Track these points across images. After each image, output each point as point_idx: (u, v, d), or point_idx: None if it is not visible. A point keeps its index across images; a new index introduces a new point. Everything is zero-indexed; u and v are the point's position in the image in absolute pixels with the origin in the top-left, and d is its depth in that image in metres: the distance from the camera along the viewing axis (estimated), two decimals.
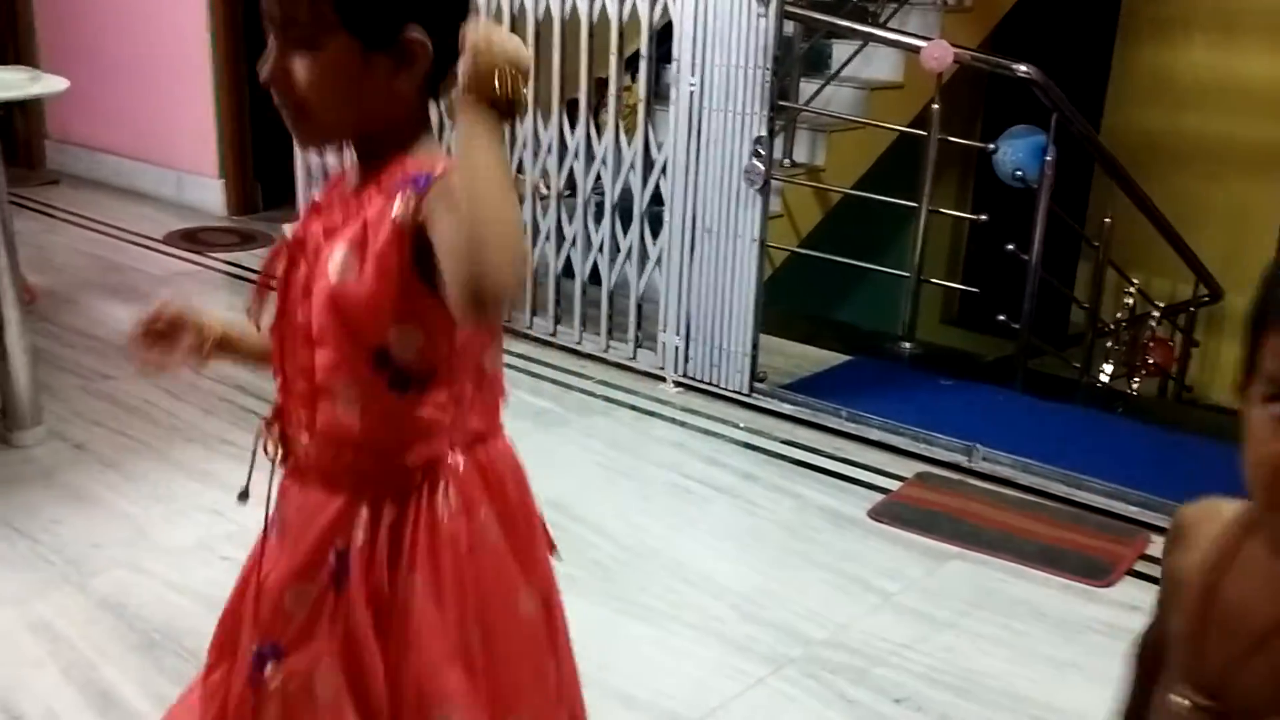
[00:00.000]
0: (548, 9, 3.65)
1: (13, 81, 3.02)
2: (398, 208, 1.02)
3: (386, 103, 1.08)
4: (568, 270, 3.83)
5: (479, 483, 1.15)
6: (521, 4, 3.71)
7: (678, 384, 3.61)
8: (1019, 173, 3.73)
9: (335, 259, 1.06)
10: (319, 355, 1.09)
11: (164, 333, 1.26)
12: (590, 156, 3.68)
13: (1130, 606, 2.46)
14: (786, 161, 4.62)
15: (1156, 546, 2.71)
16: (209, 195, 5.43)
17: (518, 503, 1.20)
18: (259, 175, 5.44)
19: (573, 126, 3.69)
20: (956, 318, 6.23)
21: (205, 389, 3.41)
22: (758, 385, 3.48)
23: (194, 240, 4.99)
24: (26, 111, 5.92)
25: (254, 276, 4.54)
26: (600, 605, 2.38)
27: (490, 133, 0.95)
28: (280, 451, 1.17)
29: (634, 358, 3.73)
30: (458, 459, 1.13)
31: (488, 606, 1.15)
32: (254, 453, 1.18)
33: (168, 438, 3.07)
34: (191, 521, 2.65)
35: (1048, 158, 3.60)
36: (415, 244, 1.01)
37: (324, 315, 1.07)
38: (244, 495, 1.22)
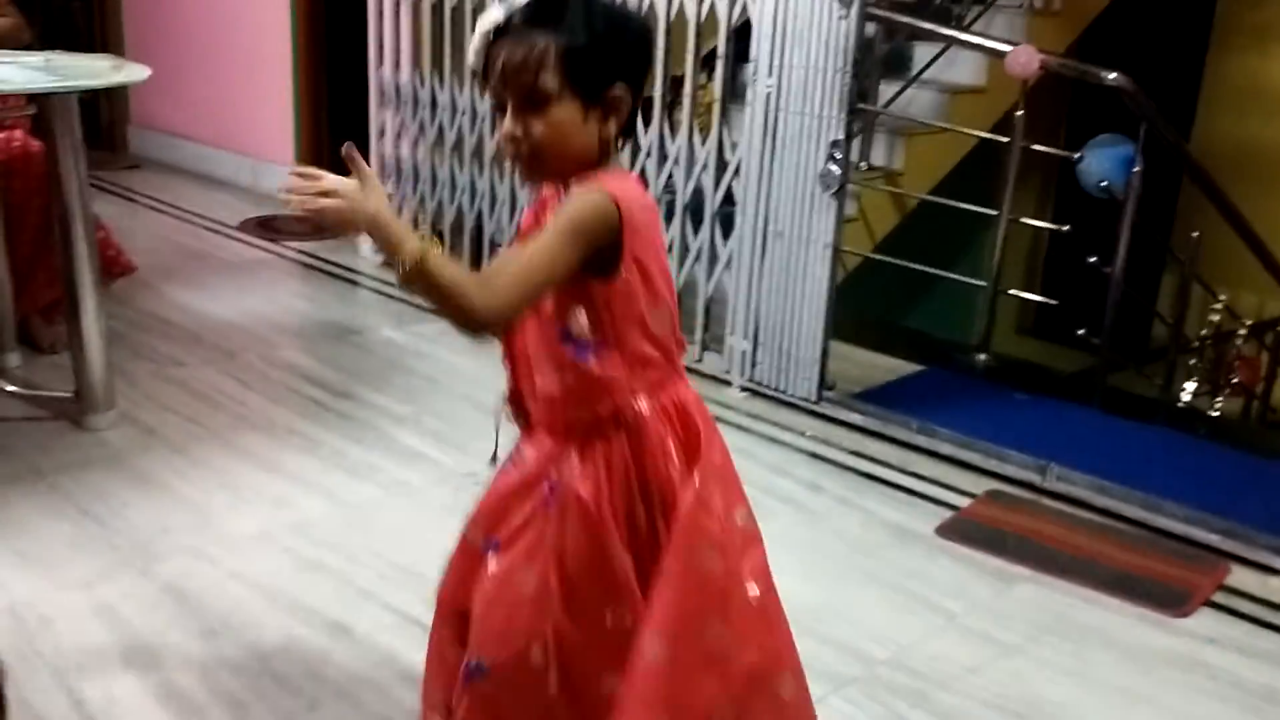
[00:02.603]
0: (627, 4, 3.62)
1: (98, 69, 3.06)
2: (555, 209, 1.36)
3: (596, 145, 1.36)
4: None
5: (663, 419, 1.42)
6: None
7: (744, 389, 3.56)
8: (1104, 184, 3.62)
9: None
10: (529, 340, 1.43)
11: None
12: (664, 156, 3.64)
13: (1207, 639, 2.37)
14: (863, 164, 4.55)
15: (1237, 577, 2.61)
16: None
17: (702, 431, 1.45)
18: (334, 165, 5.47)
19: (646, 125, 3.65)
20: (1033, 329, 6.09)
21: (274, 379, 3.45)
22: (826, 393, 3.42)
23: (269, 228, 5.05)
24: (111, 97, 6.04)
25: (326, 267, 4.55)
26: None
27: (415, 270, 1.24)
28: (519, 419, 1.51)
29: (700, 360, 3.69)
30: (641, 405, 1.40)
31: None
32: (497, 423, 1.52)
33: (235, 426, 3.10)
34: (256, 510, 2.67)
35: (1135, 169, 3.49)
36: None
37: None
38: (493, 459, 1.54)
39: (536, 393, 1.44)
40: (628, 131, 1.40)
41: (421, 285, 1.24)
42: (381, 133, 4.53)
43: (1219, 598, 2.53)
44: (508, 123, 1.34)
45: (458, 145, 4.28)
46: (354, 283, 4.51)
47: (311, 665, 2.12)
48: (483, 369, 3.63)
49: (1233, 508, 2.76)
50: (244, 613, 2.26)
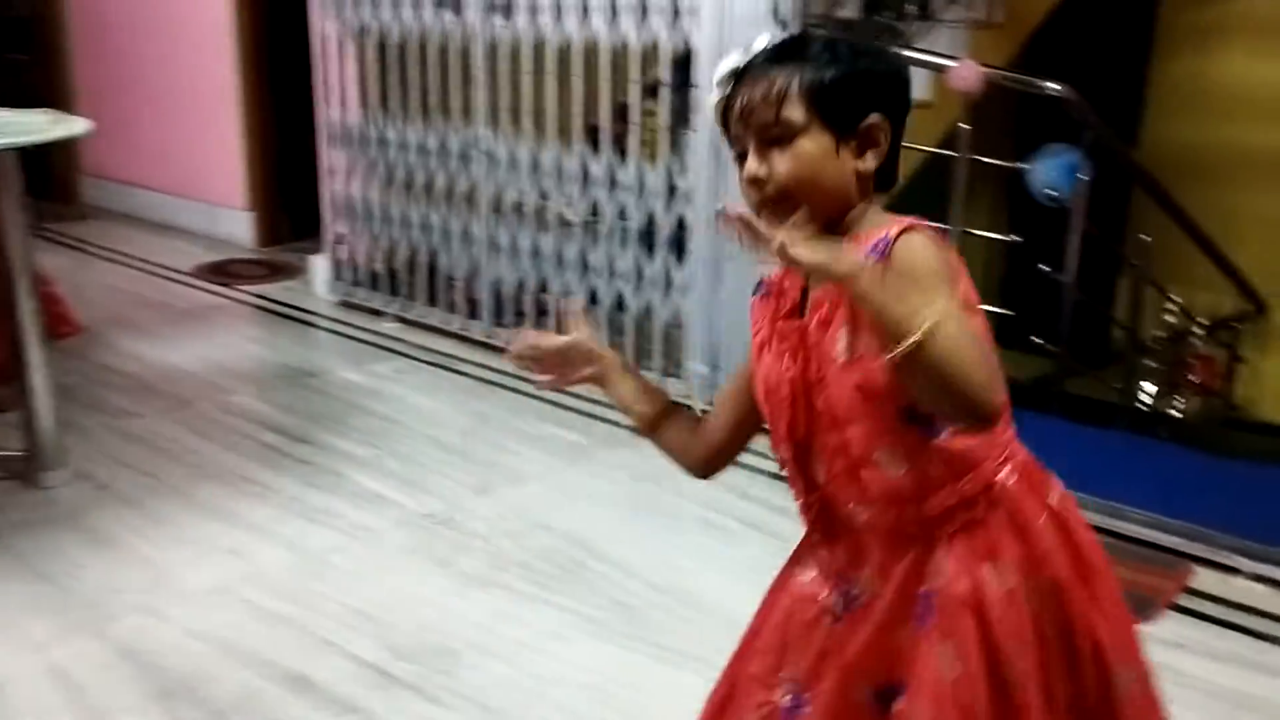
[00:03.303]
0: (568, 37, 3.63)
1: (35, 125, 3.02)
2: None
3: (853, 182, 1.20)
4: (592, 299, 3.80)
5: (1029, 492, 1.23)
6: (541, 33, 3.69)
7: (704, 412, 3.54)
8: (1052, 192, 3.64)
9: (840, 343, 1.18)
10: (851, 431, 1.20)
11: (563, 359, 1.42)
12: (613, 183, 3.64)
13: (1175, 644, 2.37)
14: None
15: (1200, 579, 2.61)
16: (238, 227, 5.45)
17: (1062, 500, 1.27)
18: (286, 207, 5.46)
19: (596, 153, 3.65)
20: (993, 339, 6.13)
21: (230, 426, 3.41)
22: None
23: (223, 273, 5.01)
24: (61, 148, 5.98)
25: (281, 309, 4.52)
26: (627, 649, 2.32)
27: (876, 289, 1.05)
28: (818, 527, 1.29)
29: (662, 387, 3.67)
30: (1008, 476, 1.21)
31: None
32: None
33: (190, 477, 3.06)
34: (212, 563, 2.63)
35: (1081, 177, 3.52)
36: None
37: (849, 395, 1.18)
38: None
39: (870, 497, 1.21)
40: (887, 179, 1.23)
41: (931, 358, 1.02)
42: (332, 172, 4.51)
43: (1183, 601, 2.53)
44: (750, 163, 1.20)
45: (409, 182, 4.26)
46: (310, 324, 4.47)
47: (271, 719, 2.08)
48: (441, 408, 3.61)
49: (1193, 509, 2.77)
50: (201, 670, 2.22)
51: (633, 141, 3.57)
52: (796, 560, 1.35)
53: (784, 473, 1.31)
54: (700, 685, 2.18)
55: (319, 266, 4.71)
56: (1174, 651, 2.34)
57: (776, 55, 1.20)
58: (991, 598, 1.18)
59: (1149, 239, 4.17)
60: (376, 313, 4.48)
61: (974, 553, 1.19)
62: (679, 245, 3.56)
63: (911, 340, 1.02)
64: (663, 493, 3.05)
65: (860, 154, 1.20)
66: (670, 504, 2.99)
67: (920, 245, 1.11)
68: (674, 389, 3.64)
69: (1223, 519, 2.72)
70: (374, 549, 2.72)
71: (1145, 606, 2.48)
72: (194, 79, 5.47)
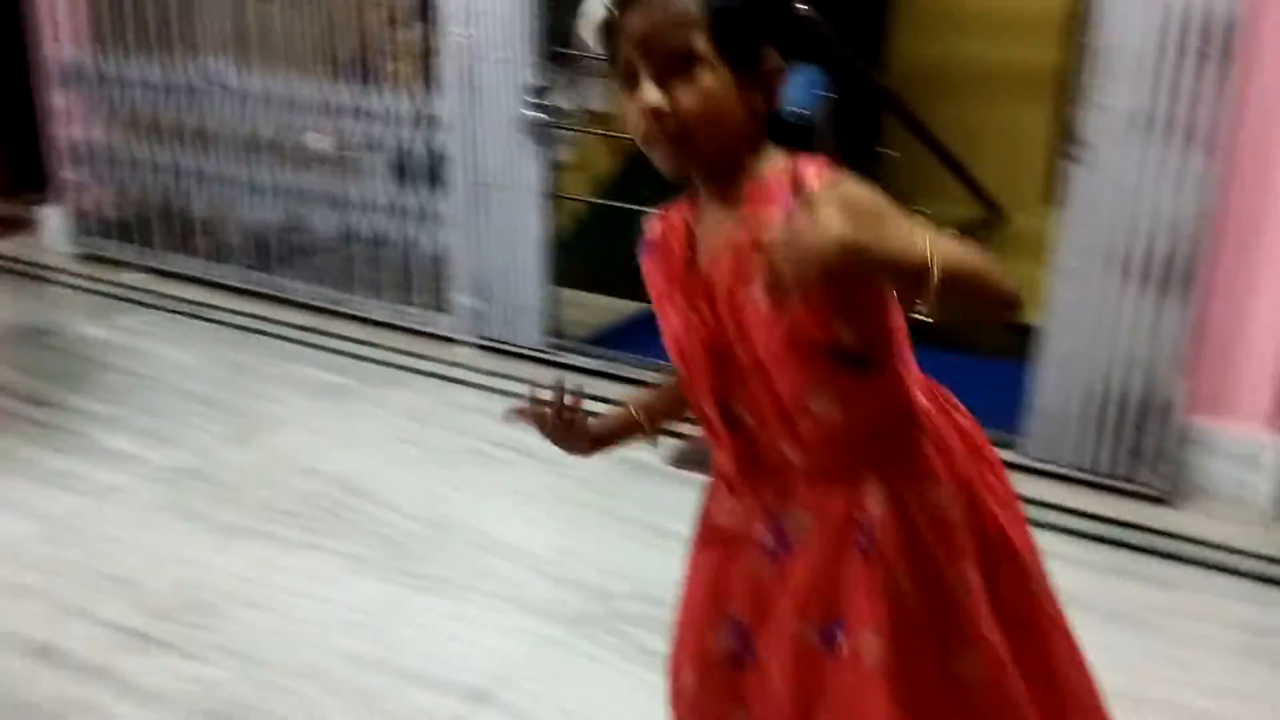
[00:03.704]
0: None
1: None
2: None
3: (752, 128, 1.13)
4: (349, 234, 3.68)
5: (940, 411, 1.22)
6: None
7: (475, 345, 3.51)
8: (797, 110, 3.74)
9: (760, 295, 1.11)
10: (781, 381, 1.15)
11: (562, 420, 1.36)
12: (364, 114, 3.52)
13: None
14: (577, 109, 4.53)
15: None
16: None
17: (960, 411, 1.27)
18: (8, 156, 5.02)
19: (343, 83, 3.52)
20: None
21: None
22: (556, 341, 3.42)
23: None
24: None
25: (10, 266, 4.16)
26: (394, 583, 2.29)
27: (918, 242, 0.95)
28: (743, 470, 1.24)
29: (428, 322, 3.61)
30: (923, 399, 1.20)
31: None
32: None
33: None
34: None
35: (823, 94, 3.63)
36: None
37: (775, 346, 1.13)
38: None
39: (801, 439, 1.17)
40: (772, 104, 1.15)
41: (951, 289, 0.94)
42: (57, 114, 4.17)
43: None
44: (647, 92, 1.09)
45: (146, 122, 3.99)
46: (44, 280, 4.16)
47: (18, 694, 1.95)
48: (194, 359, 3.44)
49: None
50: None
51: (382, 70, 3.45)
52: (718, 504, 1.30)
53: (699, 423, 1.26)
54: (456, 609, 2.20)
55: (52, 218, 4.38)
56: None
57: None
58: (924, 521, 1.17)
59: (897, 155, 4.35)
60: (120, 264, 4.20)
61: (905, 479, 1.18)
62: (438, 176, 3.48)
63: (931, 271, 0.93)
64: (431, 429, 3.01)
65: (759, 92, 1.13)
66: (438, 439, 2.95)
67: (854, 187, 1.02)
68: (442, 324, 3.59)
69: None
70: (124, 509, 2.57)
71: None
72: None
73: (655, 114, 1.10)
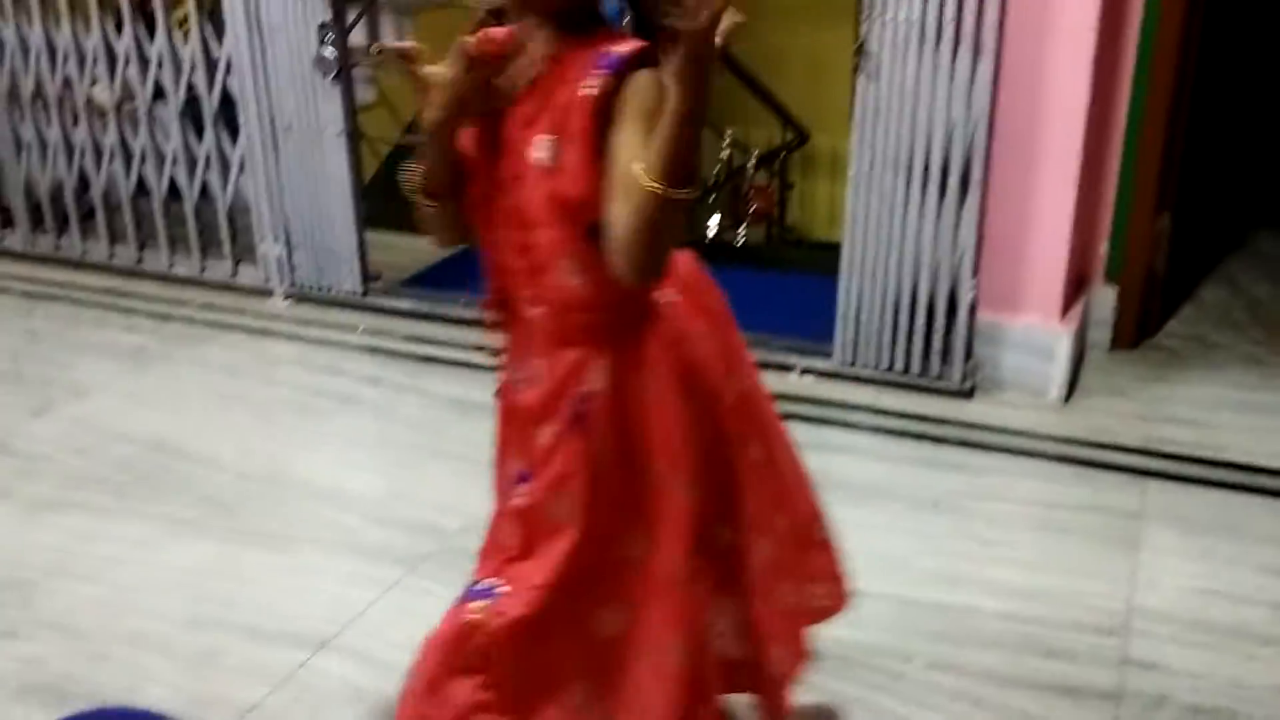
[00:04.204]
0: None
1: None
2: (590, 88, 1.12)
3: None
4: (142, 189, 3.51)
5: (691, 309, 1.31)
6: None
7: (288, 296, 3.42)
8: None
9: (541, 149, 1.17)
10: (538, 235, 1.20)
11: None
12: (144, 59, 3.34)
13: None
14: (374, 48, 4.41)
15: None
16: None
17: (710, 293, 1.38)
18: None
19: (118, 29, 3.32)
20: None
21: None
22: (373, 285, 3.36)
23: None
24: None
25: None
26: (222, 541, 2.24)
27: (690, 103, 1.04)
28: (504, 321, 1.30)
29: (235, 275, 3.49)
30: (668, 295, 1.27)
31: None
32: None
33: None
34: None
35: (621, 21, 3.64)
36: (610, 121, 1.12)
37: (539, 202, 1.18)
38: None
39: (547, 298, 1.23)
40: None
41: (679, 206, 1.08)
42: None
43: None
44: None
45: (38, 93, 3.62)
46: None
47: None
48: None
49: (751, 320, 2.97)
50: None
51: (164, 14, 3.28)
52: (502, 361, 1.36)
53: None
54: (289, 561, 2.17)
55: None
56: None
57: None
58: (635, 402, 1.25)
59: None
60: None
61: (628, 364, 1.25)
62: (230, 122, 3.34)
63: (661, 189, 1.06)
64: (246, 382, 2.93)
65: None
66: (257, 393, 2.88)
67: (650, 89, 1.11)
68: (251, 277, 3.47)
69: (777, 326, 3.00)
70: None
71: None
72: None
73: None
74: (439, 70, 1.22)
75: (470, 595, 1.30)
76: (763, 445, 1.41)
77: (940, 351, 2.76)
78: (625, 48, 1.14)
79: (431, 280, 3.45)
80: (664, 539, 1.28)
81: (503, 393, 1.35)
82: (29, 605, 2.05)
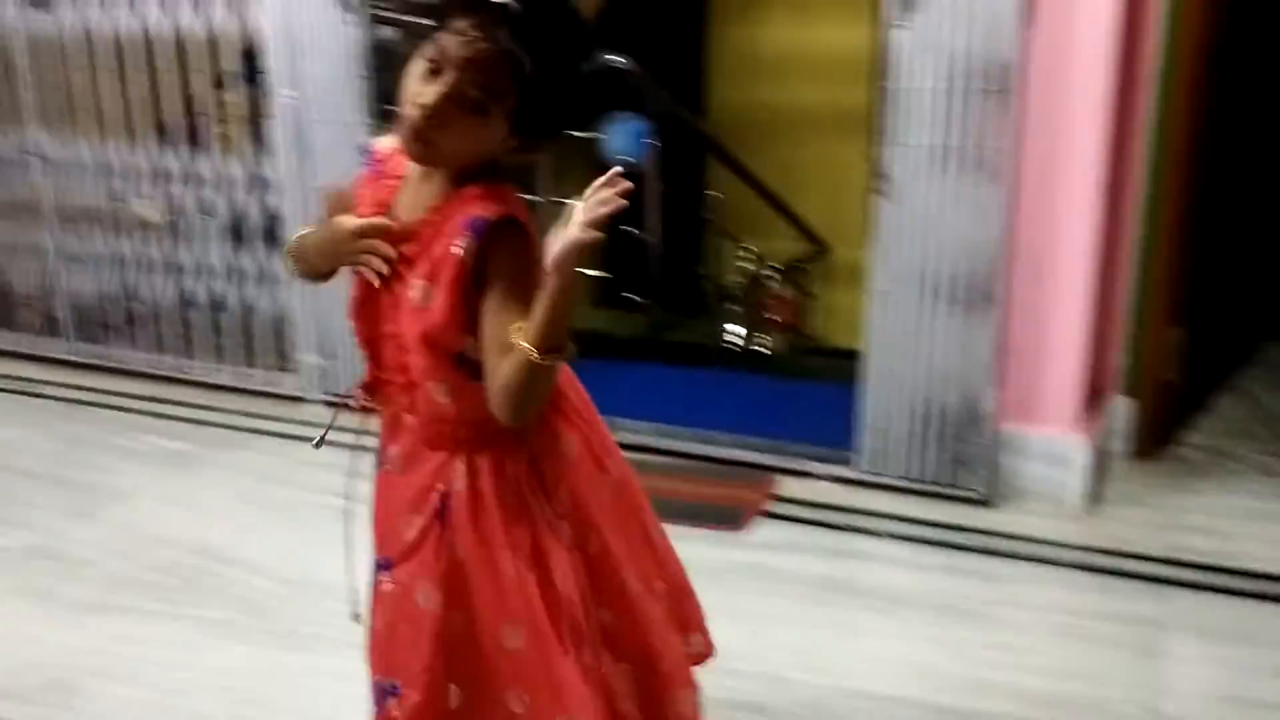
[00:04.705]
0: (121, 29, 3.43)
1: None
2: (460, 249, 1.30)
3: (494, 150, 1.31)
4: (185, 300, 3.64)
5: (553, 420, 1.44)
6: (89, 25, 3.47)
7: (323, 403, 3.51)
8: (625, 158, 3.89)
9: (415, 292, 1.33)
10: (412, 360, 1.37)
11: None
12: (195, 178, 3.50)
13: (765, 545, 2.66)
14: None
15: (784, 486, 2.94)
16: None
17: (582, 405, 1.50)
18: None
19: (169, 149, 3.49)
20: (603, 300, 6.42)
21: None
22: None
23: None
24: None
25: None
26: (261, 645, 2.29)
27: (567, 288, 1.23)
28: (380, 412, 1.46)
29: (272, 383, 3.59)
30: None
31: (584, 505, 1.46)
32: (334, 413, 1.53)
33: None
34: None
35: (649, 141, 3.79)
36: (475, 276, 1.30)
37: (414, 334, 1.34)
38: (319, 443, 1.58)
39: (418, 409, 1.40)
40: (525, 135, 1.31)
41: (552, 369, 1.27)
42: None
43: (772, 507, 2.84)
44: (428, 93, 1.25)
45: (88, 207, 3.84)
46: None
47: None
48: (26, 435, 3.34)
49: (773, 427, 3.10)
50: None
51: (209, 134, 3.45)
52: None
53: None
54: (324, 663, 2.22)
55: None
56: (766, 552, 2.63)
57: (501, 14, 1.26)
58: (490, 500, 1.39)
59: (721, 195, 4.55)
60: None
61: (484, 467, 1.39)
62: (274, 238, 3.48)
63: (536, 356, 1.24)
64: (283, 488, 3.00)
65: (505, 123, 1.28)
66: (292, 497, 2.95)
67: (523, 255, 1.30)
68: (288, 384, 3.58)
69: (799, 433, 3.07)
70: None
71: (737, 517, 2.76)
72: None
73: (423, 111, 1.26)
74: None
75: (381, 697, 1.47)
76: (638, 523, 1.56)
77: (962, 460, 2.82)
78: (492, 211, 1.30)
79: None
80: (536, 630, 1.40)
81: (376, 472, 1.51)
82: (72, 707, 2.10)
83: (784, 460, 2.98)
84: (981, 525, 2.75)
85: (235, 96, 3.44)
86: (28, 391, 3.68)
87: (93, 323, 3.83)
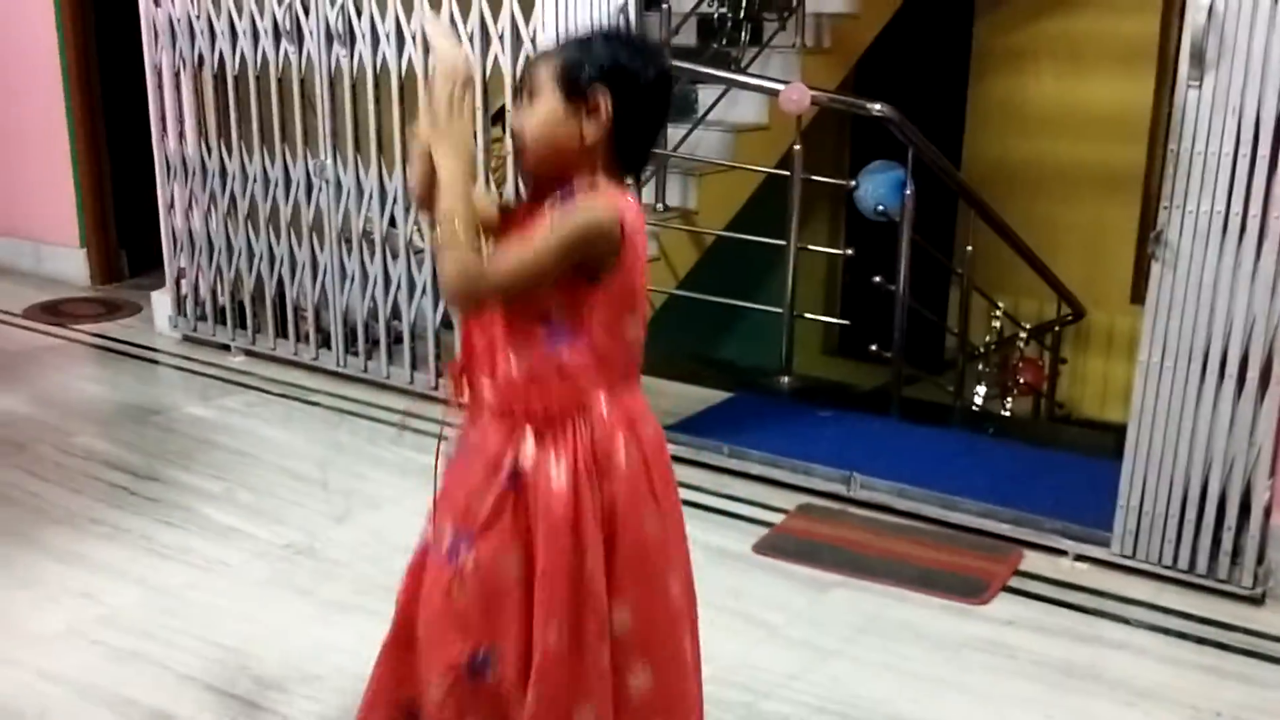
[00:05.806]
0: (409, 65, 3.66)
1: None
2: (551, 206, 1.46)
3: (578, 145, 1.45)
4: (447, 324, 3.82)
5: (618, 417, 1.51)
6: (383, 62, 3.71)
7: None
8: (880, 207, 3.84)
9: None
10: (499, 323, 1.48)
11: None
12: None
13: (1006, 622, 2.54)
14: (660, 206, 4.69)
15: (1029, 561, 2.80)
16: (70, 265, 5.27)
17: (652, 441, 1.56)
18: (124, 243, 5.31)
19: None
20: (838, 349, 6.37)
21: (72, 468, 3.31)
22: None
23: (56, 313, 4.84)
24: None
25: (121, 347, 4.35)
26: None
27: (446, 165, 1.41)
28: (467, 393, 1.56)
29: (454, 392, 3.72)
30: (600, 401, 1.49)
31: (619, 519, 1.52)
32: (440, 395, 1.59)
33: (33, 520, 2.96)
34: (61, 606, 2.55)
35: (907, 191, 3.73)
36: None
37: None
38: (402, 426, 1.74)
39: (497, 374, 1.50)
40: (632, 162, 1.51)
41: (453, 231, 1.38)
42: (171, 205, 4.42)
43: (1015, 582, 2.71)
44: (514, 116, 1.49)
45: (251, 213, 4.21)
46: (152, 361, 4.36)
47: None
48: (294, 439, 3.58)
49: (1022, 498, 2.96)
50: (57, 712, 2.16)
51: (479, 167, 3.62)
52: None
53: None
54: None
55: (160, 303, 4.60)
56: (1007, 629, 2.51)
57: (565, 43, 1.52)
58: (545, 484, 1.47)
59: (972, 249, 4.42)
60: (223, 347, 4.40)
61: (548, 447, 1.47)
62: None
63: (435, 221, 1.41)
64: None
65: (586, 119, 1.44)
66: None
67: (586, 209, 1.42)
68: None
69: (1049, 506, 2.92)
70: (232, 582, 2.69)
71: (980, 589, 2.65)
72: (22, 112, 5.28)
73: (513, 132, 1.49)
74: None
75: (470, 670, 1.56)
76: (661, 581, 1.59)
77: (1229, 552, 2.61)
78: (598, 193, 1.46)
79: (694, 427, 3.55)
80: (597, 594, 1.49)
81: (456, 449, 1.58)
82: (318, 699, 2.22)
83: (1032, 534, 2.84)
84: (1247, 624, 2.53)
85: (507, 132, 3.60)
86: (302, 399, 3.96)
87: (359, 338, 4.07)
